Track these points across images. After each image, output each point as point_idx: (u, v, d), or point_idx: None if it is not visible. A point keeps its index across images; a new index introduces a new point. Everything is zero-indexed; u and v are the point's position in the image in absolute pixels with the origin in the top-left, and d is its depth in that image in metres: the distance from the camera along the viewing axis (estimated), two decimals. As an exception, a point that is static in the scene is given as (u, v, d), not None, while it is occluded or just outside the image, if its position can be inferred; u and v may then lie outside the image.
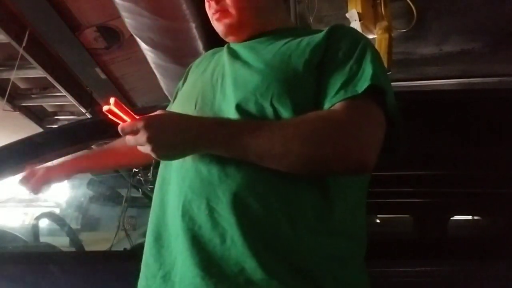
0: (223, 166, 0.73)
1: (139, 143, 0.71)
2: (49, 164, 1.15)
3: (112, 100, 0.72)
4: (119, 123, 0.72)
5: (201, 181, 0.74)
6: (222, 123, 0.74)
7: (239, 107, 0.76)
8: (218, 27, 0.93)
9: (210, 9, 0.93)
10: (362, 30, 2.28)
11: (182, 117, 0.75)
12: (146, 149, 0.71)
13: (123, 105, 0.73)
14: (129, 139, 0.72)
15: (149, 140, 0.69)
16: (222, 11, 0.90)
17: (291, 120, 0.72)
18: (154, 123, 0.70)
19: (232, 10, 0.89)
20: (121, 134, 0.72)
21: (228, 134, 0.71)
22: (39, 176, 1.09)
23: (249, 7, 0.90)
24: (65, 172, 1.15)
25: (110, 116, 0.74)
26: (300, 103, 0.74)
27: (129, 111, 0.73)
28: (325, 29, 0.84)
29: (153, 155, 0.71)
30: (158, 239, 0.79)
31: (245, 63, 0.84)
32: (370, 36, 2.40)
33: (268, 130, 0.70)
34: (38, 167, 1.11)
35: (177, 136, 0.71)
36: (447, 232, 2.17)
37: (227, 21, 0.90)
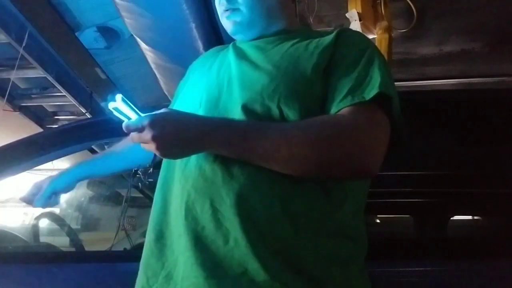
0: (227, 167, 0.73)
1: (144, 141, 0.70)
2: (51, 175, 1.14)
3: (118, 96, 0.72)
4: (124, 121, 0.72)
5: (205, 181, 0.74)
6: (228, 123, 0.74)
7: (245, 108, 0.76)
8: (227, 24, 0.92)
9: (220, 6, 0.92)
10: (362, 30, 2.28)
11: (188, 116, 0.75)
12: (150, 147, 0.70)
13: (128, 102, 0.73)
14: (134, 136, 0.72)
15: (154, 139, 0.69)
16: (233, 10, 0.90)
17: (297, 124, 0.72)
18: (159, 121, 0.70)
19: (243, 8, 0.89)
20: (125, 131, 0.72)
21: (233, 134, 0.71)
22: (45, 191, 1.08)
23: (261, 6, 0.90)
24: (69, 182, 1.14)
25: (115, 113, 0.74)
26: (307, 106, 0.74)
27: (135, 108, 0.73)
28: (334, 32, 0.83)
29: (158, 154, 0.71)
30: (160, 238, 0.79)
31: (253, 63, 0.84)
32: (370, 36, 2.39)
33: (274, 132, 0.70)
34: (40, 180, 1.11)
35: (182, 135, 0.70)
36: (447, 232, 2.17)
37: (237, 19, 0.90)
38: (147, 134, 0.69)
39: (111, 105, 0.72)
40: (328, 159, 0.69)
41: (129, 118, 0.72)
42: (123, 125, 0.72)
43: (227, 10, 0.90)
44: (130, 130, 0.71)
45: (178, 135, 0.70)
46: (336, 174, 0.72)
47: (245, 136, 0.70)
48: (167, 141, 0.70)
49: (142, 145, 0.72)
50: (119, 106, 0.72)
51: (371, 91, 0.73)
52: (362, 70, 0.76)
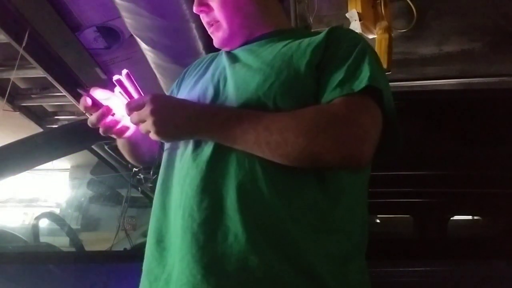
0: (225, 164, 0.74)
1: (142, 118, 0.73)
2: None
3: (124, 71, 0.76)
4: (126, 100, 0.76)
5: (202, 179, 0.74)
6: (224, 108, 0.77)
7: (242, 108, 0.77)
8: (213, 38, 0.95)
9: (203, 20, 0.96)
10: (362, 30, 2.28)
11: (186, 100, 0.81)
12: (147, 123, 0.73)
13: (133, 80, 0.76)
14: (133, 116, 0.75)
15: (152, 113, 0.72)
16: (214, 23, 0.93)
17: (289, 112, 0.73)
18: (160, 97, 0.75)
19: (222, 23, 0.91)
20: (127, 111, 0.75)
21: (226, 117, 0.73)
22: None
23: (238, 17, 0.91)
24: None
25: (118, 89, 0.76)
26: (302, 103, 0.75)
27: (138, 88, 0.77)
28: (325, 30, 0.84)
29: (153, 130, 0.73)
30: (160, 241, 0.79)
31: (246, 64, 0.85)
32: (370, 36, 2.40)
33: (267, 118, 0.72)
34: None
35: (181, 113, 0.74)
36: (447, 232, 2.17)
37: (219, 34, 0.93)
38: (147, 109, 0.72)
39: (115, 78, 0.76)
40: (318, 145, 0.69)
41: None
42: (125, 104, 0.75)
43: (208, 25, 0.94)
44: (131, 108, 0.75)
45: (176, 112, 0.74)
46: (326, 161, 0.71)
47: (239, 120, 0.72)
48: (165, 117, 0.73)
49: (140, 126, 0.75)
50: (122, 80, 0.75)
51: (360, 84, 0.73)
52: (352, 64, 0.77)
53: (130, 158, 1.04)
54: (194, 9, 0.94)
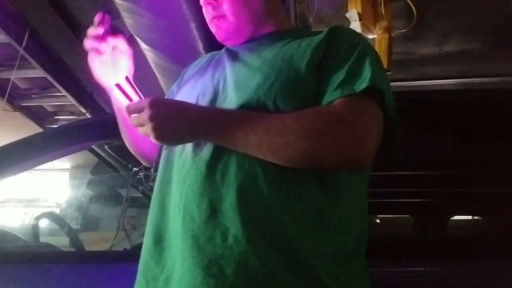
0: (225, 165, 0.73)
1: (141, 121, 0.73)
2: None
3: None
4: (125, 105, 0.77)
5: (202, 180, 0.74)
6: (225, 111, 0.77)
7: (241, 107, 0.77)
8: (216, 32, 0.94)
9: (207, 14, 0.94)
10: (362, 30, 2.28)
11: (187, 102, 0.81)
12: (147, 128, 0.73)
13: (133, 83, 0.78)
14: (133, 119, 0.75)
15: (152, 118, 0.71)
16: (220, 17, 0.91)
17: (290, 114, 0.73)
18: (159, 102, 0.74)
19: (230, 16, 0.90)
20: (126, 113, 0.76)
21: (227, 121, 0.72)
22: None
23: (246, 12, 0.91)
24: None
25: (117, 90, 0.78)
26: (303, 103, 0.75)
27: (138, 91, 0.78)
28: (325, 30, 0.84)
29: (153, 135, 0.73)
30: (159, 241, 0.79)
31: (246, 64, 0.85)
32: (370, 36, 2.39)
33: (268, 120, 0.71)
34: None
35: (180, 117, 0.73)
36: (447, 232, 2.17)
37: (224, 27, 0.91)
38: (146, 114, 0.72)
39: (115, 82, 0.78)
40: (321, 147, 0.69)
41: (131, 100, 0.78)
42: (125, 106, 0.76)
43: (214, 18, 0.92)
44: (130, 111, 0.75)
45: (176, 117, 0.73)
46: (329, 163, 0.71)
47: (240, 123, 0.71)
48: (164, 123, 0.72)
49: (139, 128, 0.75)
50: (122, 84, 0.77)
51: (361, 85, 0.73)
52: (353, 64, 0.77)
53: (136, 154, 1.06)
54: (201, 1, 0.93)
